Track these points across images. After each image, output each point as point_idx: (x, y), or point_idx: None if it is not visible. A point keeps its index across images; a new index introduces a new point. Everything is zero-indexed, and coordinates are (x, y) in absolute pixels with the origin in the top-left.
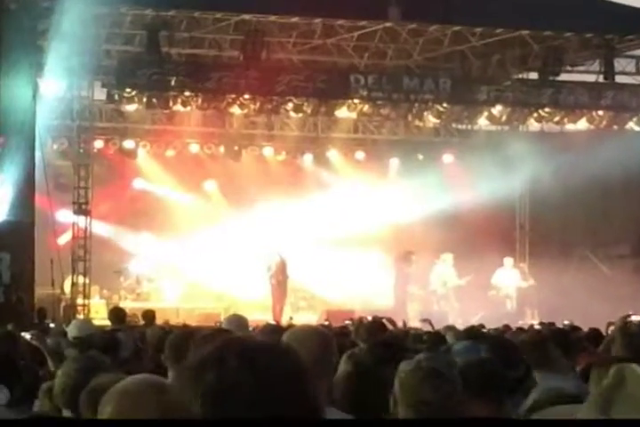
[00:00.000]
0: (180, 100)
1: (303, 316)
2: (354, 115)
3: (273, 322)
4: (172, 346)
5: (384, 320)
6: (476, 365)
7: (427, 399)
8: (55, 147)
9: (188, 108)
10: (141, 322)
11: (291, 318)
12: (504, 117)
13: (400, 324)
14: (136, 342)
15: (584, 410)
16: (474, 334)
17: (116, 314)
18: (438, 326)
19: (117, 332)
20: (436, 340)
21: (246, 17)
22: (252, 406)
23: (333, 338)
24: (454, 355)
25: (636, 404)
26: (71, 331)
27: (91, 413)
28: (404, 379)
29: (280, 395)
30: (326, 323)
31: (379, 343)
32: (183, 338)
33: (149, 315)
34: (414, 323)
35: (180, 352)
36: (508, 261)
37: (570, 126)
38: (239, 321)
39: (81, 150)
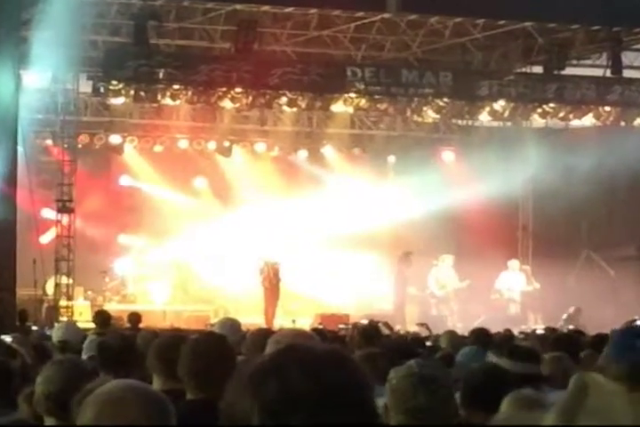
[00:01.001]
0: (168, 94)
1: (296, 320)
2: (350, 109)
3: (265, 326)
4: (159, 351)
5: (380, 324)
6: (477, 371)
7: (420, 406)
8: (38, 142)
9: (177, 101)
10: (127, 325)
11: (293, 322)
12: (507, 113)
13: (397, 328)
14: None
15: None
16: (481, 338)
17: (101, 317)
18: (436, 330)
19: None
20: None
21: (238, 7)
22: (313, 416)
23: (318, 341)
24: (458, 360)
25: (599, 417)
26: (56, 334)
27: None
28: (395, 385)
29: (342, 405)
30: (320, 327)
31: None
32: (171, 342)
33: (135, 318)
34: (412, 327)
35: (167, 357)
36: (514, 263)
37: (575, 122)
38: (232, 325)
39: (65, 146)
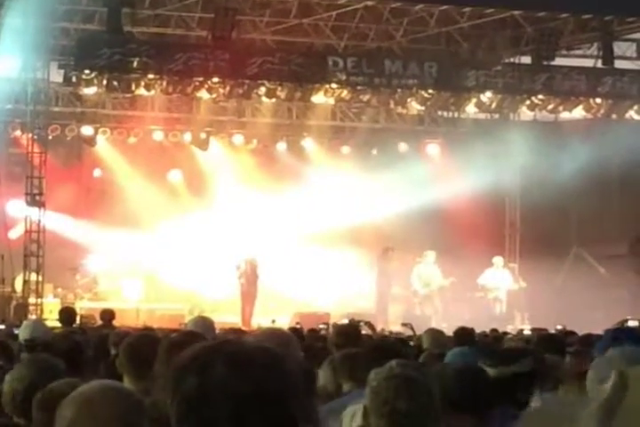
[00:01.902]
0: (142, 84)
1: (275, 319)
2: (331, 100)
3: (242, 325)
4: (129, 350)
5: (362, 324)
6: (459, 373)
7: (401, 409)
8: (7, 133)
9: (152, 91)
10: (98, 323)
11: (273, 321)
12: (494, 105)
13: (380, 328)
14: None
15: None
16: (465, 338)
17: (67, 314)
18: (420, 330)
19: (73, 334)
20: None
21: None
22: (235, 413)
23: (296, 341)
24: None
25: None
26: (23, 332)
27: (43, 418)
28: (375, 388)
29: (268, 405)
30: (298, 326)
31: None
32: (142, 341)
33: (108, 315)
34: (395, 326)
35: (138, 357)
36: (498, 260)
37: (565, 115)
38: (205, 324)
39: (35, 137)
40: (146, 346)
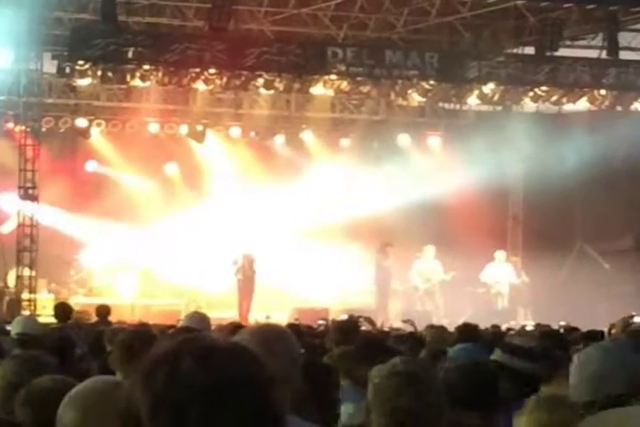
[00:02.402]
0: (138, 75)
1: (272, 314)
2: (331, 92)
3: (238, 320)
4: (122, 346)
5: (361, 320)
6: (465, 370)
7: (404, 407)
8: None
9: (148, 82)
10: (93, 319)
11: (267, 318)
12: (496, 96)
13: (380, 323)
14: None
15: None
16: (468, 334)
17: (62, 310)
18: (421, 326)
19: (65, 329)
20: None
21: None
22: (204, 412)
23: (293, 337)
24: (449, 359)
25: None
26: (14, 327)
27: (27, 415)
28: (378, 385)
29: (238, 401)
30: (296, 322)
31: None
32: (136, 337)
33: (103, 311)
34: (395, 322)
35: (131, 353)
36: (501, 254)
37: (569, 107)
38: (200, 319)
39: (28, 129)
40: (140, 342)
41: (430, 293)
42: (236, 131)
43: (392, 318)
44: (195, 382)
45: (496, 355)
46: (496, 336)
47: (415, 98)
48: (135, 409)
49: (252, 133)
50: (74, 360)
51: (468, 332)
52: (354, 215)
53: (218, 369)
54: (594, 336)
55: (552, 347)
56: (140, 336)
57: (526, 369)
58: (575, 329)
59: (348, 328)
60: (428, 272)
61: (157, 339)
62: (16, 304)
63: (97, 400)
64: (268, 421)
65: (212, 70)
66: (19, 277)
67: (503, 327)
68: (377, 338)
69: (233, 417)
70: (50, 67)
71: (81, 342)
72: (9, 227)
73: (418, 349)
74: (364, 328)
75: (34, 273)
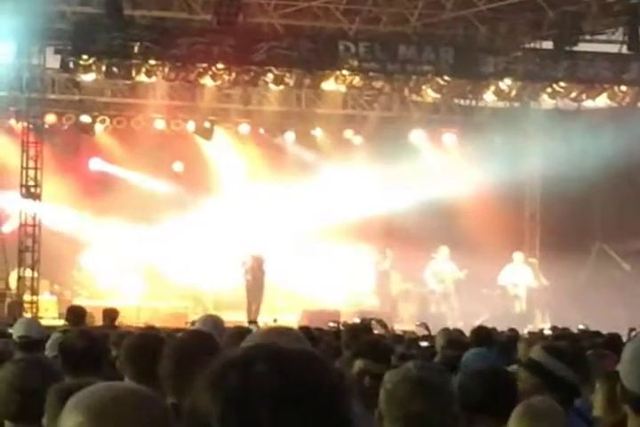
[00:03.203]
0: (143, 70)
1: (282, 317)
2: (342, 88)
3: (247, 323)
4: (130, 351)
5: (373, 322)
6: (482, 375)
7: (417, 412)
8: (1, 121)
9: (154, 78)
10: (98, 322)
11: (275, 321)
12: (513, 92)
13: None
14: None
15: None
16: (483, 338)
17: (75, 313)
18: (435, 330)
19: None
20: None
21: None
22: (276, 415)
23: (304, 340)
24: (463, 364)
25: None
26: (16, 330)
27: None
28: (391, 390)
29: (310, 406)
30: (306, 325)
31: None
32: (144, 342)
33: (111, 314)
34: (409, 325)
35: (140, 358)
36: (518, 256)
37: (588, 103)
38: (215, 322)
39: (31, 126)
40: (148, 346)
41: (445, 295)
42: (244, 128)
43: (406, 320)
44: (268, 385)
45: (537, 354)
46: (512, 340)
47: (429, 94)
48: (202, 414)
49: (261, 130)
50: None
51: (482, 335)
52: (366, 215)
53: (291, 373)
54: (614, 339)
55: None
56: (149, 340)
57: (569, 376)
58: (595, 333)
59: (360, 331)
60: (442, 273)
61: (166, 342)
62: (18, 306)
63: (112, 409)
64: (338, 426)
65: (221, 65)
66: (20, 279)
67: (521, 331)
68: (381, 342)
69: (304, 421)
70: (53, 62)
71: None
72: (10, 226)
73: (432, 353)
74: (376, 331)
75: (36, 274)
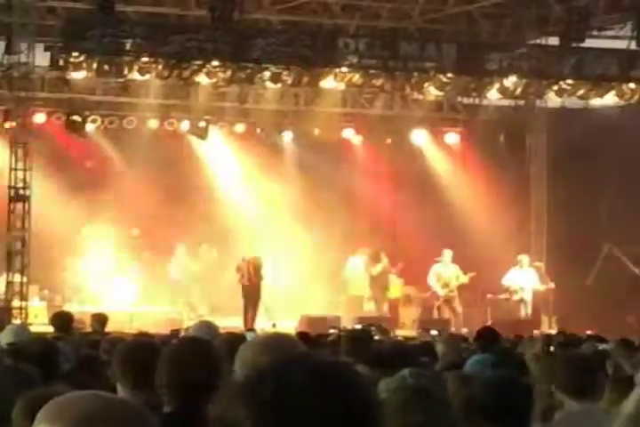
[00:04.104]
0: (136, 67)
1: (279, 322)
2: (342, 86)
3: (245, 330)
4: (124, 357)
5: (373, 329)
6: (489, 383)
7: (414, 423)
8: None
9: (147, 76)
10: (89, 328)
11: (274, 326)
12: (518, 90)
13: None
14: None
15: None
16: (489, 341)
17: (61, 319)
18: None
19: (58, 340)
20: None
21: None
22: (313, 424)
23: (302, 348)
24: (468, 369)
25: None
26: (5, 337)
27: None
28: (386, 399)
29: (345, 421)
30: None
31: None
32: (137, 347)
33: (101, 320)
34: (411, 331)
35: (134, 365)
36: (524, 258)
37: (596, 101)
38: (209, 329)
39: (19, 125)
40: (143, 352)
41: (449, 300)
42: (240, 127)
43: (408, 326)
44: (305, 396)
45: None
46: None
47: (432, 92)
48: (231, 424)
49: (258, 130)
50: (58, 372)
51: (488, 336)
52: (366, 216)
53: (331, 387)
54: (625, 345)
55: None
56: (143, 346)
57: None
58: (603, 339)
59: (360, 338)
60: (446, 277)
61: (160, 349)
62: (6, 312)
63: (93, 420)
64: None
65: (216, 63)
66: (9, 284)
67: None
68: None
69: None
70: (42, 59)
71: (71, 353)
72: None
73: (433, 360)
74: (376, 338)
75: (25, 279)
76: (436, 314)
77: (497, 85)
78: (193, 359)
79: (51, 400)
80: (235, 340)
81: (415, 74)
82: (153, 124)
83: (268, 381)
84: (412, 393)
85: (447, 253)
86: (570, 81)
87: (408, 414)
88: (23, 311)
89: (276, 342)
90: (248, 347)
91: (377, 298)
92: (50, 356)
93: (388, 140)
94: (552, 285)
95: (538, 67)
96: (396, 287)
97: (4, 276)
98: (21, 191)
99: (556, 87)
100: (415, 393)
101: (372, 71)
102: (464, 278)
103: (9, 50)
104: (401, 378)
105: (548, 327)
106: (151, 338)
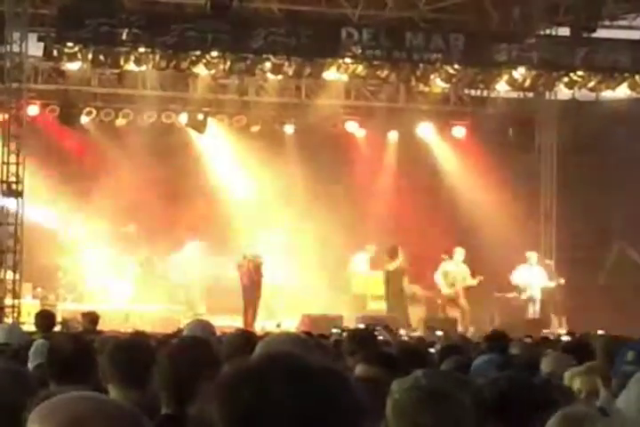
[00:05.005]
0: (133, 58)
1: (281, 322)
2: (345, 77)
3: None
4: (115, 355)
5: (379, 328)
6: (495, 384)
7: (426, 424)
8: None
9: (143, 67)
10: (81, 327)
11: (278, 326)
12: (527, 82)
13: (400, 331)
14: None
15: None
16: (498, 342)
17: (44, 319)
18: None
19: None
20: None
21: None
22: None
23: (315, 349)
24: (474, 371)
25: None
26: None
27: None
28: (398, 401)
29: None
30: (307, 330)
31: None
32: (130, 346)
33: (91, 318)
34: (417, 331)
35: (126, 362)
36: (532, 256)
37: (607, 93)
38: (203, 328)
39: (12, 118)
40: (135, 350)
41: (455, 299)
42: (240, 120)
43: (414, 325)
44: (283, 402)
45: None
46: (526, 347)
47: (438, 84)
48: (207, 424)
49: (259, 123)
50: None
51: (496, 340)
52: (371, 212)
53: (308, 391)
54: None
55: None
56: (135, 344)
57: None
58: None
59: (364, 338)
60: (453, 276)
61: (154, 349)
62: None
63: (74, 422)
64: None
65: (215, 53)
66: (1, 282)
67: (535, 337)
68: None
69: None
70: (36, 49)
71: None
72: None
73: (440, 360)
74: (380, 338)
75: (17, 277)
76: (442, 313)
77: (505, 77)
78: (192, 360)
79: (43, 403)
80: (247, 339)
81: (421, 65)
82: (150, 116)
83: (247, 384)
84: (424, 394)
85: (459, 252)
86: (580, 72)
87: (421, 416)
88: (15, 310)
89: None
90: (268, 342)
91: (390, 296)
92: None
93: (393, 134)
94: (562, 280)
95: (548, 58)
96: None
97: None
98: (14, 186)
99: (566, 79)
100: (427, 394)
101: (376, 62)
102: (472, 282)
103: (1, 40)
104: (415, 378)
105: (558, 327)
106: (144, 337)
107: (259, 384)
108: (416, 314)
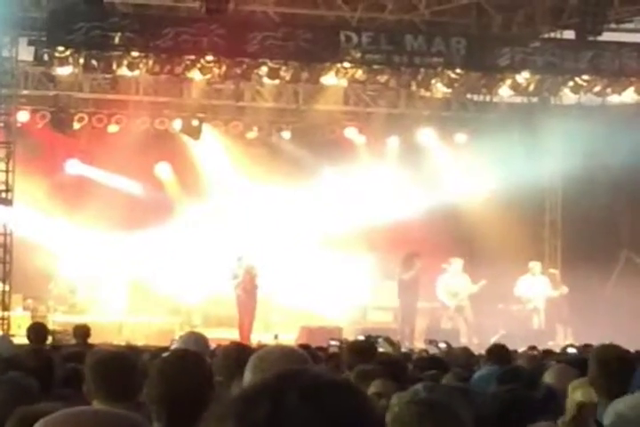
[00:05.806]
0: (125, 63)
1: (279, 335)
2: (344, 82)
3: (239, 340)
4: (100, 370)
5: (380, 340)
6: (495, 398)
7: None
8: None
9: (136, 72)
10: (73, 340)
11: (276, 337)
12: (531, 87)
13: (406, 344)
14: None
15: None
16: (500, 357)
17: (37, 331)
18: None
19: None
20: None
21: None
22: None
23: (309, 361)
24: (474, 384)
25: None
26: None
27: None
28: (398, 414)
29: None
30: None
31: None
32: (116, 359)
33: (82, 331)
34: (419, 343)
35: (109, 376)
36: (535, 265)
37: (613, 98)
38: (197, 340)
39: (1, 124)
40: (118, 364)
41: (458, 310)
42: (236, 126)
43: (415, 337)
44: (299, 419)
45: None
46: (529, 359)
47: (439, 89)
48: None
49: (255, 129)
50: (55, 386)
51: (498, 354)
52: (370, 222)
53: (324, 407)
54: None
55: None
56: (119, 357)
57: None
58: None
59: (364, 350)
60: (454, 287)
61: (140, 362)
62: None
63: None
64: None
65: (210, 58)
66: None
67: (541, 349)
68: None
69: None
70: (26, 54)
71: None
72: None
73: (441, 373)
74: (381, 350)
75: (7, 288)
76: (447, 324)
77: (509, 82)
78: (184, 374)
79: (41, 419)
80: (241, 352)
81: (422, 70)
82: (143, 122)
83: (263, 400)
84: (424, 408)
85: (456, 263)
86: (586, 77)
87: None
88: (5, 322)
89: (286, 354)
90: (260, 356)
91: (404, 306)
92: (47, 368)
93: (394, 140)
94: (565, 289)
95: (552, 62)
96: None
97: None
98: (3, 194)
99: (571, 83)
100: (427, 408)
101: (375, 67)
102: (474, 288)
103: None
104: (414, 391)
105: (564, 338)
106: (135, 350)
107: (274, 400)
108: (419, 326)
